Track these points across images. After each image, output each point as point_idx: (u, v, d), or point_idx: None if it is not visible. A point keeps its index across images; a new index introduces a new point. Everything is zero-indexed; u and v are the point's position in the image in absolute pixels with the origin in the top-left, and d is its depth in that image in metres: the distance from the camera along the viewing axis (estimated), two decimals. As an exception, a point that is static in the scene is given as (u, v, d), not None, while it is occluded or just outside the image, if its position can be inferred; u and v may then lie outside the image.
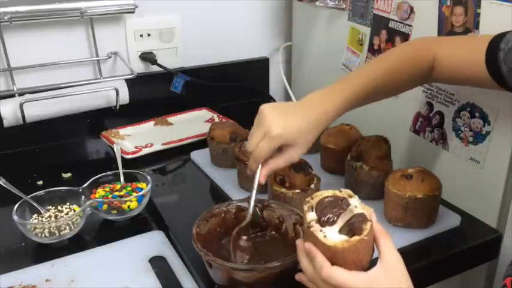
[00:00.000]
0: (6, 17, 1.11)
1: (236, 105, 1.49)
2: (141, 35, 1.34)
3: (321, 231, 0.63)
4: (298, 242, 0.68)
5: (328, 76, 1.35)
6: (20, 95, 1.18)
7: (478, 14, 0.88)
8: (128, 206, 0.95)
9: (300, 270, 0.69)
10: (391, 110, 1.13)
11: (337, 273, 0.61)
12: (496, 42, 0.76)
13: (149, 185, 0.97)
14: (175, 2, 1.35)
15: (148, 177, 0.99)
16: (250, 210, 0.80)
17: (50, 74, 1.25)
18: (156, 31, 1.35)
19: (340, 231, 0.63)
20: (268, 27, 1.53)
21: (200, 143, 1.21)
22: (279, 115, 0.78)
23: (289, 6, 1.49)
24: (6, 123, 1.15)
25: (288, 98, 1.57)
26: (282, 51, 1.54)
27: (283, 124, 0.77)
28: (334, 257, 0.62)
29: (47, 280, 0.80)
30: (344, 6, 1.23)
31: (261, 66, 1.54)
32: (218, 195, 1.04)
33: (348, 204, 0.65)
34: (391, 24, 1.09)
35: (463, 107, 0.96)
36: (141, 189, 0.99)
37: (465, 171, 0.97)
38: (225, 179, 1.07)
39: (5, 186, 0.92)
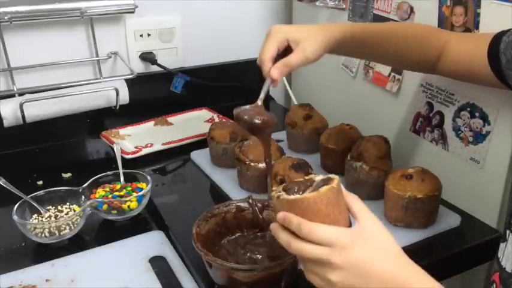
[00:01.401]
0: (6, 17, 1.11)
1: (236, 105, 1.48)
2: (141, 35, 1.34)
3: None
4: (272, 225, 0.65)
5: (328, 76, 1.36)
6: (20, 95, 1.18)
7: (478, 14, 0.88)
8: (128, 206, 0.95)
9: (300, 271, 0.69)
10: (391, 110, 1.13)
11: (318, 227, 0.59)
12: (500, 35, 0.77)
13: (149, 185, 0.97)
14: (175, 2, 1.35)
15: (148, 177, 0.99)
16: (262, 93, 0.80)
17: (50, 74, 1.25)
18: (156, 31, 1.35)
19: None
20: (268, 27, 1.52)
21: (200, 143, 1.21)
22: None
23: (289, 6, 1.49)
24: (6, 123, 1.15)
25: (288, 98, 1.57)
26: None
27: (285, 26, 0.79)
28: (308, 213, 0.60)
29: (47, 280, 0.80)
30: (344, 6, 1.23)
31: (261, 66, 1.54)
32: (218, 195, 1.04)
33: (313, 181, 0.65)
34: (391, 24, 1.09)
35: (463, 107, 0.96)
36: (141, 189, 0.99)
37: (465, 171, 0.97)
38: (225, 179, 1.07)
39: (5, 186, 0.92)
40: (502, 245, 0.68)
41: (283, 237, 0.62)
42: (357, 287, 0.57)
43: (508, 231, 0.67)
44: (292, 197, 0.62)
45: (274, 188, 0.67)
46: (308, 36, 0.78)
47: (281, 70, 0.77)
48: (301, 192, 0.62)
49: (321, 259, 0.58)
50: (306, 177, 0.66)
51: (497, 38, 0.77)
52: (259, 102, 0.79)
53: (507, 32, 0.76)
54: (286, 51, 0.78)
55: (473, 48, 0.82)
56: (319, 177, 0.65)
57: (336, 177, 0.63)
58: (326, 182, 0.62)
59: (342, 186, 0.64)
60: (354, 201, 0.62)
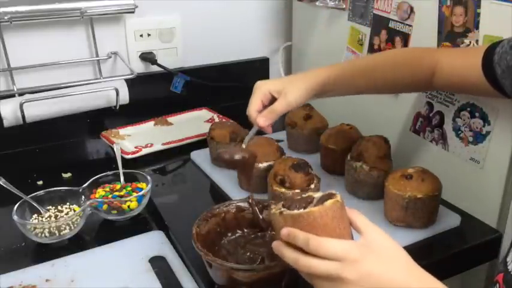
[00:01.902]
0: (6, 17, 1.11)
1: (236, 105, 1.47)
2: (141, 35, 1.34)
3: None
4: (274, 244, 0.64)
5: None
6: (20, 95, 1.18)
7: (478, 14, 0.88)
8: (128, 206, 0.95)
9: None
10: (391, 110, 1.13)
11: (327, 241, 0.58)
12: (492, 47, 0.79)
13: (149, 185, 0.97)
14: (175, 2, 1.35)
15: (148, 177, 0.99)
16: (247, 138, 0.87)
17: (50, 74, 1.25)
18: (156, 31, 1.35)
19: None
20: (268, 27, 1.53)
21: (200, 143, 1.21)
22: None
23: (289, 6, 1.49)
24: (6, 123, 1.15)
25: (288, 98, 1.57)
26: (282, 51, 1.54)
27: (267, 81, 0.88)
28: (315, 228, 0.60)
29: (47, 280, 0.80)
30: (344, 6, 1.23)
31: (261, 66, 1.54)
32: (218, 195, 1.04)
33: (313, 198, 0.65)
34: (391, 24, 1.09)
35: (463, 107, 0.96)
36: (141, 189, 0.99)
37: (465, 171, 0.97)
38: (225, 179, 1.07)
39: (5, 186, 0.92)
40: None
41: (290, 255, 0.61)
42: None
43: None
44: (296, 211, 0.61)
45: (273, 206, 0.66)
46: (289, 85, 0.85)
47: (267, 117, 0.84)
48: (303, 208, 0.62)
49: (331, 274, 0.57)
50: (304, 195, 0.67)
51: (490, 50, 0.78)
52: (244, 145, 0.86)
53: (499, 44, 0.77)
54: (273, 102, 0.85)
55: (466, 62, 0.83)
56: (318, 194, 0.65)
57: (337, 193, 0.63)
58: (328, 197, 0.62)
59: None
60: (357, 215, 0.63)
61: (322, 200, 0.62)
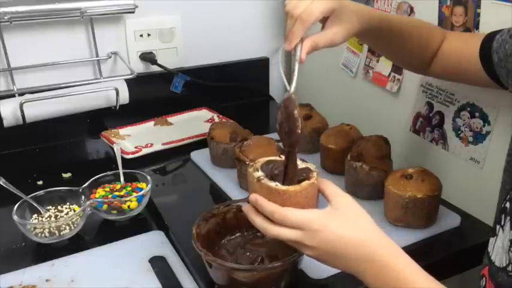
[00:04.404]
0: (6, 17, 1.11)
1: (236, 105, 1.49)
2: (141, 35, 1.34)
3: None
4: (244, 208, 0.69)
5: (328, 76, 1.36)
6: (20, 95, 1.18)
7: (478, 14, 0.88)
8: (128, 206, 0.95)
9: (300, 272, 0.69)
10: (391, 110, 1.13)
11: (290, 212, 0.63)
12: (493, 34, 0.77)
13: (149, 185, 0.97)
14: (175, 2, 1.35)
15: (148, 177, 0.99)
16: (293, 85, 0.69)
17: (50, 74, 1.25)
18: (156, 31, 1.35)
19: (285, 183, 0.67)
20: (268, 27, 1.53)
21: (200, 143, 1.21)
22: None
23: (289, 6, 1.49)
24: (6, 123, 1.15)
25: (288, 98, 1.57)
26: (282, 51, 1.54)
27: (316, 6, 0.70)
28: (286, 204, 0.64)
29: (47, 280, 0.80)
30: (344, 6, 1.22)
31: (261, 66, 1.54)
32: (218, 195, 1.04)
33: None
34: (391, 24, 1.09)
35: (463, 107, 0.96)
36: (141, 189, 0.99)
37: (465, 171, 0.97)
38: (225, 179, 1.07)
39: (5, 186, 0.92)
40: (491, 240, 0.69)
41: (259, 222, 0.66)
42: (330, 260, 0.64)
43: (498, 226, 0.67)
44: (273, 185, 0.65)
45: (252, 165, 0.70)
46: (347, 18, 0.72)
47: (309, 51, 0.70)
48: (279, 178, 0.66)
49: (295, 242, 0.63)
50: (279, 158, 0.70)
51: (490, 37, 0.77)
52: (292, 88, 0.69)
53: (500, 32, 0.76)
54: None
55: (465, 46, 0.82)
56: (301, 164, 0.69)
57: (316, 171, 0.67)
58: (308, 171, 0.67)
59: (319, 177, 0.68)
60: (327, 185, 0.67)
61: (300, 176, 0.66)
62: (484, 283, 0.69)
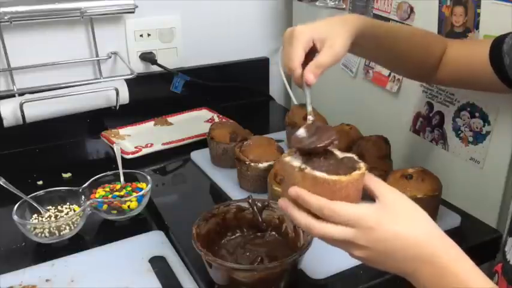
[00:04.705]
0: (6, 17, 1.11)
1: (236, 105, 1.49)
2: (141, 35, 1.34)
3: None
4: (281, 202, 0.61)
5: (328, 76, 1.35)
6: (20, 95, 1.18)
7: (478, 14, 0.88)
8: (128, 206, 0.95)
9: (300, 272, 0.69)
10: (391, 110, 1.13)
11: (340, 207, 0.56)
12: (502, 37, 0.77)
13: (149, 185, 0.97)
14: (175, 2, 1.35)
15: (148, 177, 0.99)
16: (309, 106, 0.71)
17: (50, 74, 1.25)
18: (156, 31, 1.35)
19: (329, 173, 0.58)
20: (268, 27, 1.53)
21: (200, 143, 1.21)
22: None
23: (289, 6, 1.49)
24: (6, 123, 1.15)
25: (288, 98, 1.57)
26: (282, 51, 1.54)
27: (307, 26, 0.72)
28: (336, 197, 0.56)
29: (47, 280, 0.80)
30: (344, 6, 1.23)
31: (261, 66, 1.54)
32: (218, 195, 1.04)
33: (332, 153, 0.61)
34: (391, 24, 1.09)
35: (463, 107, 0.96)
36: (141, 189, 0.99)
37: (465, 171, 0.97)
38: (225, 179, 1.07)
39: (5, 186, 0.92)
40: (510, 239, 0.68)
41: (302, 220, 0.58)
42: (381, 261, 0.57)
43: None
44: (321, 175, 0.56)
45: (288, 153, 0.62)
46: (332, 31, 0.71)
47: (314, 73, 0.70)
48: (324, 170, 0.57)
49: (346, 240, 0.56)
50: (322, 147, 0.61)
51: (499, 40, 0.77)
52: (311, 117, 0.71)
53: (509, 34, 0.76)
54: (312, 52, 0.73)
55: (473, 52, 0.82)
56: (339, 153, 0.61)
57: (360, 162, 0.59)
58: (352, 163, 0.59)
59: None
60: (372, 180, 0.60)
61: (346, 166, 0.58)
62: (496, 279, 0.70)
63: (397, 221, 0.56)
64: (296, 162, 0.59)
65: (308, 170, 0.57)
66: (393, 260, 0.56)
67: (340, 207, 0.56)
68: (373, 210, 0.57)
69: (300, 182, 0.58)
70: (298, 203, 0.58)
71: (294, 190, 0.58)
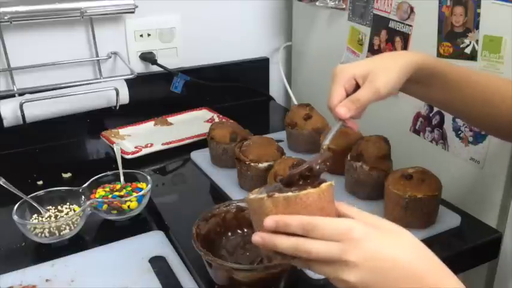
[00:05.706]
0: (6, 17, 1.11)
1: (236, 105, 1.49)
2: (141, 35, 1.34)
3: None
4: (257, 237, 0.56)
5: (328, 76, 1.35)
6: (20, 95, 1.18)
7: (478, 14, 0.88)
8: (128, 206, 0.95)
9: (299, 272, 0.68)
10: (391, 110, 1.13)
11: (323, 219, 0.52)
12: None
13: (149, 185, 0.97)
14: (175, 2, 1.35)
15: (148, 177, 0.99)
16: (326, 140, 0.69)
17: (50, 74, 1.25)
18: (156, 31, 1.35)
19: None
20: (268, 27, 1.53)
21: (200, 143, 1.21)
22: None
23: (289, 6, 1.49)
24: (6, 123, 1.15)
25: (288, 98, 1.58)
26: (282, 51, 1.54)
27: (349, 64, 0.70)
28: (311, 211, 0.54)
29: (47, 280, 0.80)
30: (344, 6, 1.23)
31: (261, 66, 1.54)
32: (218, 195, 1.04)
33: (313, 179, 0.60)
34: (391, 24, 1.09)
35: (463, 107, 0.96)
36: (141, 189, 0.99)
37: (465, 171, 0.97)
38: (225, 179, 1.07)
39: (5, 186, 0.92)
40: None
41: (286, 243, 0.54)
42: (380, 281, 0.51)
43: None
44: (291, 194, 0.55)
45: (252, 193, 0.60)
46: (376, 67, 0.69)
47: (348, 107, 0.68)
48: (292, 190, 0.56)
49: (333, 257, 0.51)
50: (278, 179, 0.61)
51: None
52: (322, 150, 0.68)
53: None
54: (357, 89, 0.71)
55: None
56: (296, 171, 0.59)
57: (327, 180, 0.58)
58: (314, 180, 0.58)
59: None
60: (344, 206, 0.58)
61: (313, 184, 0.57)
62: None
63: (387, 237, 0.53)
64: (262, 195, 0.57)
65: (276, 194, 0.56)
66: (390, 281, 0.51)
67: (323, 221, 0.53)
68: (357, 222, 0.53)
69: (272, 210, 0.56)
70: (275, 233, 0.55)
71: (271, 219, 0.54)
